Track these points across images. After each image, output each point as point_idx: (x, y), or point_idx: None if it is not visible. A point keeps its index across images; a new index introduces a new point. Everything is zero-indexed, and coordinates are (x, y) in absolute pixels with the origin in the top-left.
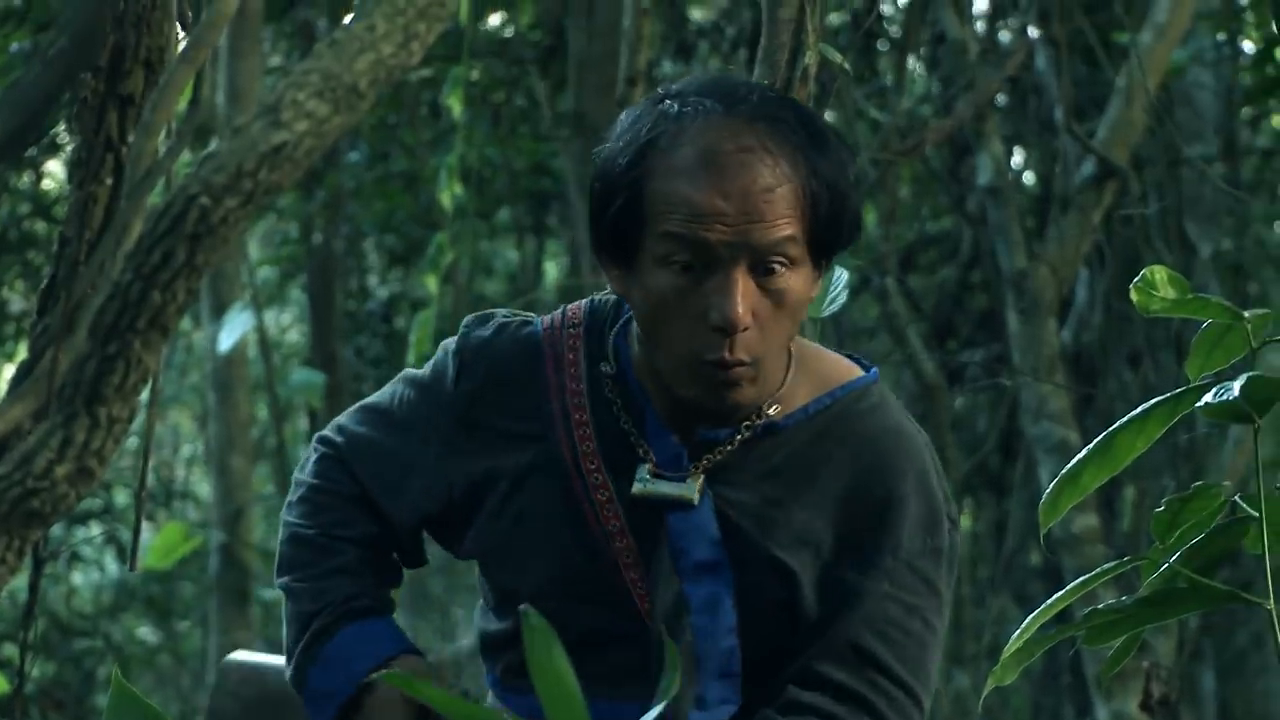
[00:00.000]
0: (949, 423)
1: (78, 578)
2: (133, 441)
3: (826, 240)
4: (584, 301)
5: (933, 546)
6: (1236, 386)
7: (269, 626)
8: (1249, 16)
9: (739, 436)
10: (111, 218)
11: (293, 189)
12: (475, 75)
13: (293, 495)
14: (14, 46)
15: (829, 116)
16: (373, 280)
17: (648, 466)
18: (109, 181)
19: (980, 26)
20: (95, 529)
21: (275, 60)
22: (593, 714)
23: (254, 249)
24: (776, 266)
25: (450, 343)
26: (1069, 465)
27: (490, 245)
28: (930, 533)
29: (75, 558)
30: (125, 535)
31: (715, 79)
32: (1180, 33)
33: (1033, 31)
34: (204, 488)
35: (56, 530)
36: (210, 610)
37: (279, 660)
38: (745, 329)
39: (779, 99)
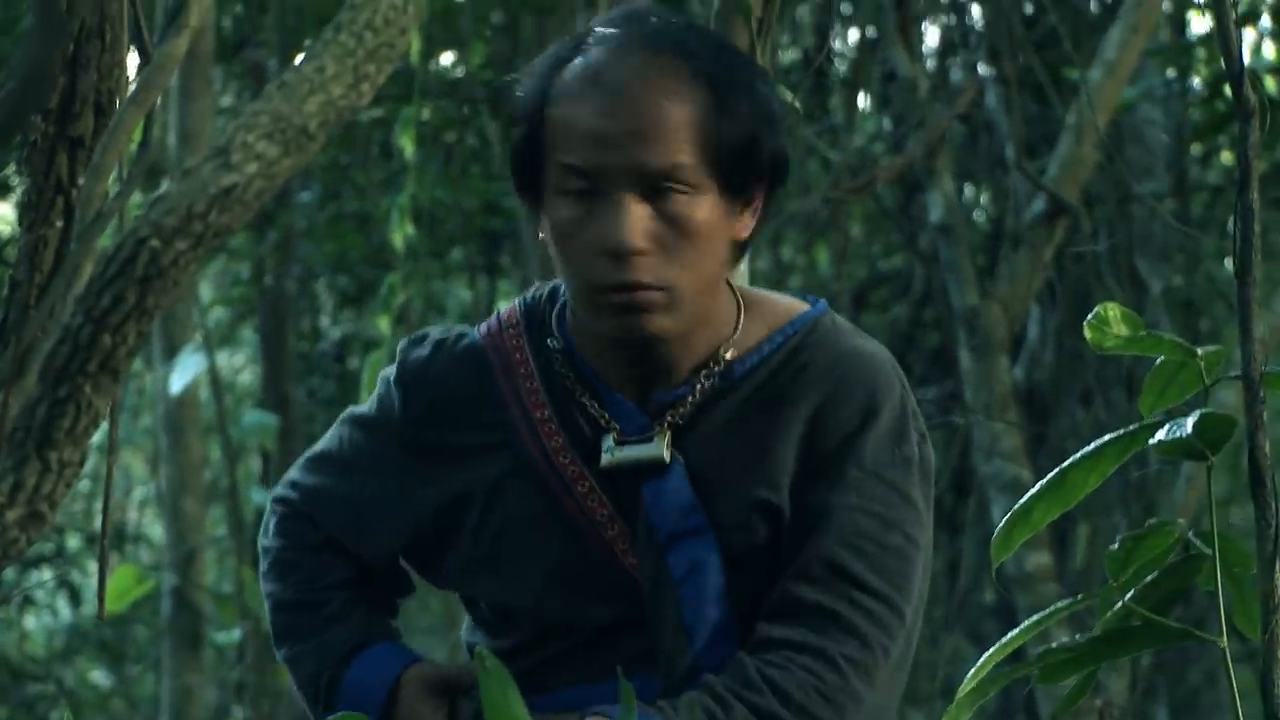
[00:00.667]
0: None
1: (30, 622)
2: (84, 484)
3: (735, 169)
4: (516, 300)
5: (902, 456)
6: (1189, 424)
7: (221, 669)
8: (1198, 53)
9: (698, 387)
10: (62, 261)
11: (244, 230)
12: (426, 115)
13: (263, 565)
14: None
15: None
16: (325, 321)
17: (612, 435)
18: (59, 224)
19: (931, 64)
20: (47, 573)
21: (226, 100)
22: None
23: (205, 290)
24: (671, 191)
25: (389, 372)
26: (1021, 501)
27: (443, 285)
28: (897, 443)
29: (27, 602)
30: (77, 579)
31: (635, 11)
32: (1130, 70)
33: (983, 69)
34: (156, 530)
35: (8, 574)
36: (163, 654)
37: None
38: (640, 252)
39: (695, 29)
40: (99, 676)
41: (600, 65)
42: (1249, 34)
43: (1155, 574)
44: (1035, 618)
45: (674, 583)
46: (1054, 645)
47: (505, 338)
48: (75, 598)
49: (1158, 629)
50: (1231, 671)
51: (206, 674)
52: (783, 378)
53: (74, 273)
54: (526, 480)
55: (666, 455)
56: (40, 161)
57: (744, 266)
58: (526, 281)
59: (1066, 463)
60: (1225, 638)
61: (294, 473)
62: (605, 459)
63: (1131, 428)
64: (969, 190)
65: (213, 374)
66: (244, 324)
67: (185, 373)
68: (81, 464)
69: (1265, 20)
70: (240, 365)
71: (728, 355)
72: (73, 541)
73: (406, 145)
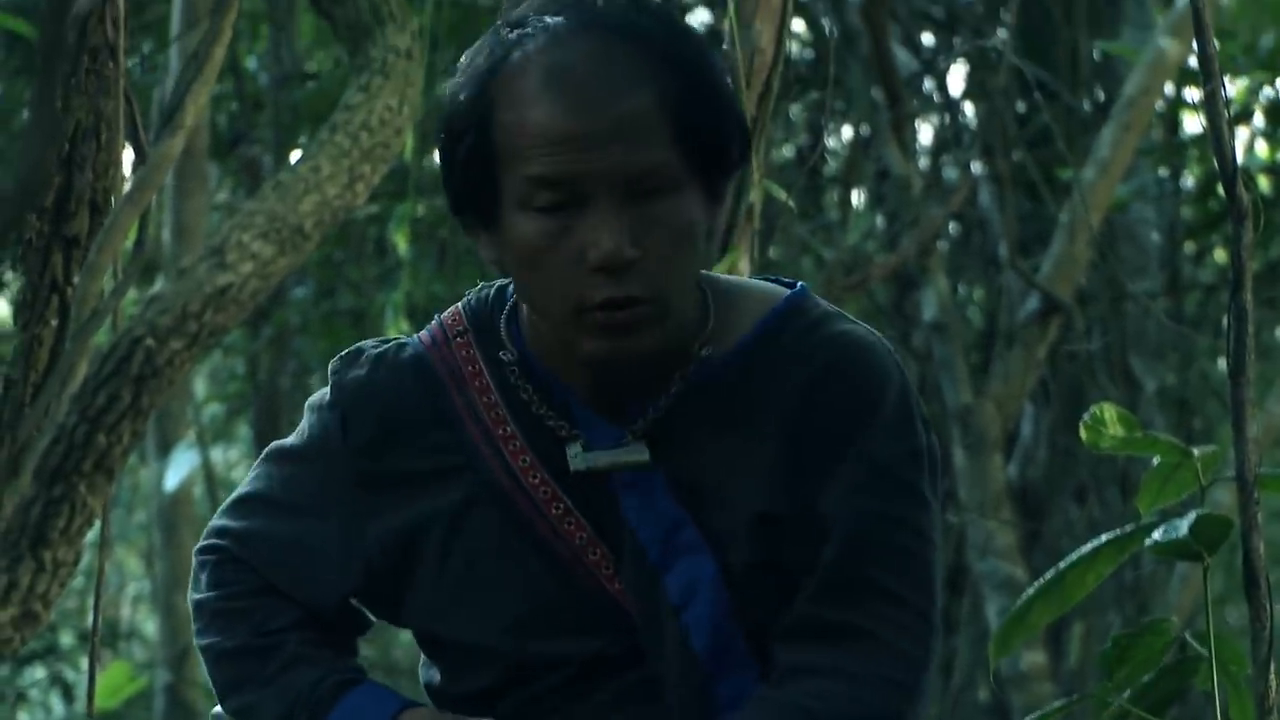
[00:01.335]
0: None
1: (24, 719)
2: (77, 580)
3: (711, 156)
4: (457, 305)
5: (909, 449)
6: (1185, 525)
7: None
8: (1191, 152)
9: (673, 390)
10: (57, 359)
11: (239, 326)
12: (421, 211)
13: (198, 621)
14: None
15: (773, 252)
16: None
17: (579, 443)
18: (54, 323)
19: (924, 162)
20: (40, 670)
21: (221, 197)
22: None
23: (200, 386)
24: (657, 191)
25: (321, 397)
26: (1019, 603)
27: None
28: (903, 434)
29: (21, 699)
30: (71, 676)
31: None
32: (1123, 168)
33: (976, 167)
34: (150, 627)
35: (2, 672)
36: None
37: None
38: (632, 262)
39: (634, 3)
40: None
41: (553, 58)
42: (1242, 132)
43: (1152, 675)
44: (1030, 717)
45: (673, 607)
46: None
47: (454, 348)
48: (68, 694)
49: None
50: None
51: None
52: (765, 371)
53: (69, 371)
54: (491, 506)
55: (647, 457)
56: (35, 260)
57: (744, 264)
58: None
59: (1063, 564)
60: None
61: (219, 520)
62: (575, 465)
63: (1128, 528)
64: (962, 288)
65: (207, 470)
66: (238, 419)
67: (179, 469)
68: (76, 563)
69: (1258, 118)
70: (234, 461)
71: (704, 353)
72: (66, 638)
73: (401, 241)
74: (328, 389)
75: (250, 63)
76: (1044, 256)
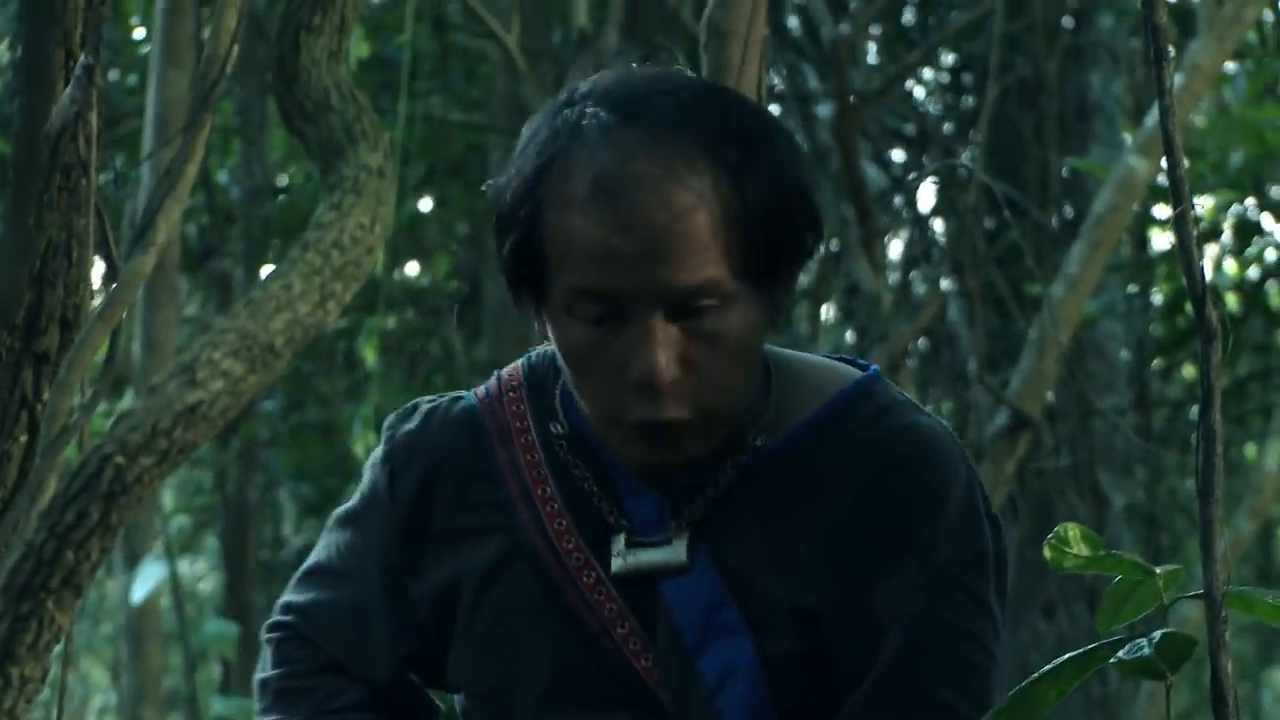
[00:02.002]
0: None
1: None
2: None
3: (769, 263)
4: (520, 360)
5: (975, 553)
6: (1149, 643)
7: None
8: (1160, 269)
9: (723, 480)
10: (26, 476)
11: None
12: (391, 325)
13: (261, 700)
14: None
15: None
16: (287, 529)
17: (623, 537)
18: (24, 439)
19: (894, 278)
20: None
21: (192, 310)
22: None
23: (168, 498)
24: (703, 307)
25: (376, 453)
26: (984, 718)
27: None
28: (969, 537)
29: None
30: None
31: (624, 77)
32: (1092, 285)
33: (946, 283)
34: None
35: None
36: None
37: None
38: (674, 381)
39: (696, 96)
40: None
41: (604, 166)
42: (1211, 248)
43: None
44: None
45: (709, 691)
46: None
47: (505, 402)
48: None
49: None
50: None
51: None
52: (822, 461)
53: (38, 488)
54: (524, 567)
55: (686, 559)
56: (5, 376)
57: None
58: None
59: (1028, 680)
60: None
61: (287, 594)
62: (616, 564)
63: (1091, 646)
64: (932, 403)
65: (174, 583)
66: (206, 532)
67: (146, 582)
68: (43, 679)
69: (1226, 235)
70: (202, 573)
71: (758, 443)
72: None
73: (370, 355)
74: (382, 441)
75: (222, 176)
76: (1013, 372)
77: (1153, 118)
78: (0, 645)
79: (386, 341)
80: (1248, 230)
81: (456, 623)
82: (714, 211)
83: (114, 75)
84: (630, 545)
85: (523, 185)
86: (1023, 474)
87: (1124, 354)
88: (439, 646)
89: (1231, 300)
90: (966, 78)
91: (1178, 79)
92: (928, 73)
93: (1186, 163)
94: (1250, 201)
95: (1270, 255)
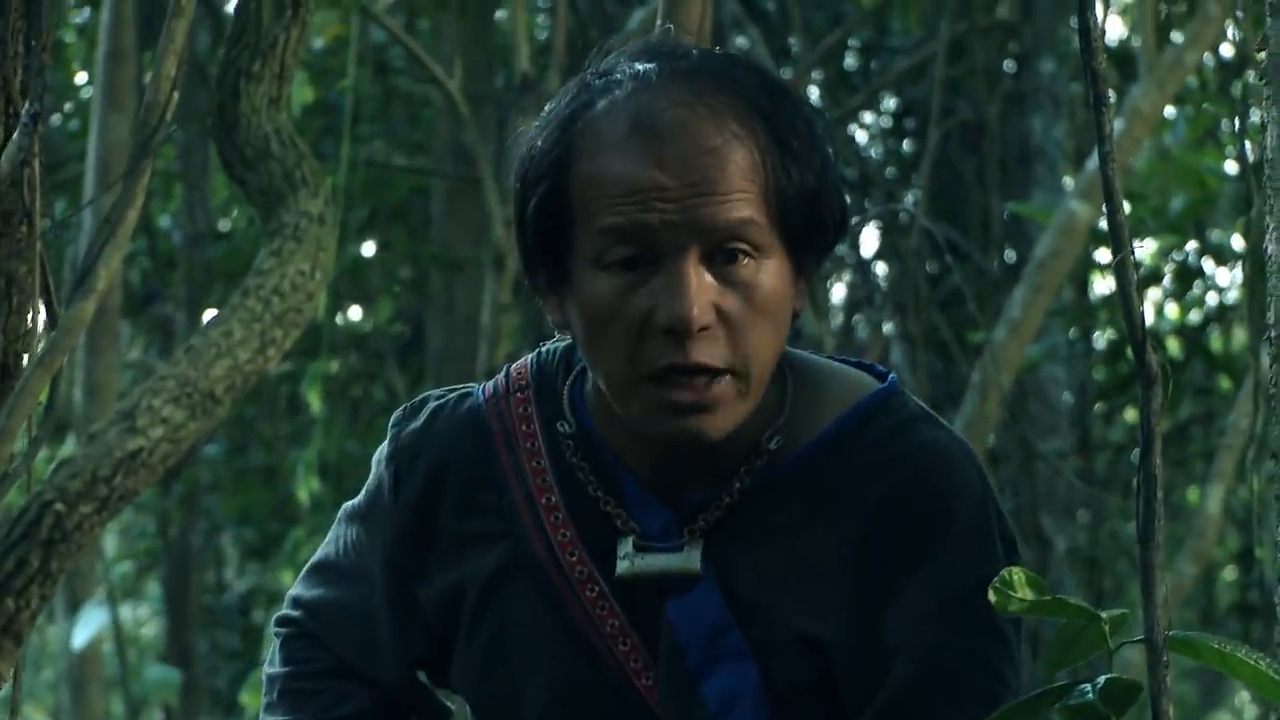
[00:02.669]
0: None
1: None
2: None
3: (801, 226)
4: (529, 356)
5: (987, 575)
6: (1094, 689)
7: None
8: (1101, 313)
9: (737, 486)
10: None
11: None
12: (334, 369)
13: (267, 695)
14: None
15: None
16: (230, 574)
17: (631, 539)
18: None
19: (837, 321)
20: None
21: (134, 354)
22: None
23: (110, 543)
24: (738, 253)
25: (381, 451)
26: None
27: None
28: (984, 560)
29: None
30: None
31: (652, 42)
32: (1034, 329)
33: (888, 327)
34: None
35: None
36: None
37: None
38: (705, 328)
39: (729, 56)
40: None
41: (640, 105)
42: (1153, 292)
43: None
44: None
45: (712, 716)
46: None
47: (511, 403)
48: None
49: None
50: None
51: None
52: (835, 478)
53: None
54: (526, 576)
55: (699, 568)
56: None
57: None
58: None
59: None
60: None
61: (296, 587)
62: (622, 567)
63: (1036, 692)
64: None
65: (116, 628)
66: (148, 576)
67: (88, 627)
68: None
69: (1168, 279)
70: (144, 619)
71: (772, 445)
72: None
73: (313, 399)
74: (389, 438)
75: (164, 221)
76: (955, 415)
77: (1093, 162)
78: None
79: (330, 386)
80: (1189, 275)
81: (460, 629)
82: (754, 156)
83: (55, 120)
84: (639, 549)
85: (552, 136)
86: None
87: (1066, 398)
88: (445, 650)
89: (1173, 345)
90: (909, 122)
91: (1118, 124)
92: (869, 117)
93: (1127, 207)
94: (1191, 246)
95: (1211, 299)
